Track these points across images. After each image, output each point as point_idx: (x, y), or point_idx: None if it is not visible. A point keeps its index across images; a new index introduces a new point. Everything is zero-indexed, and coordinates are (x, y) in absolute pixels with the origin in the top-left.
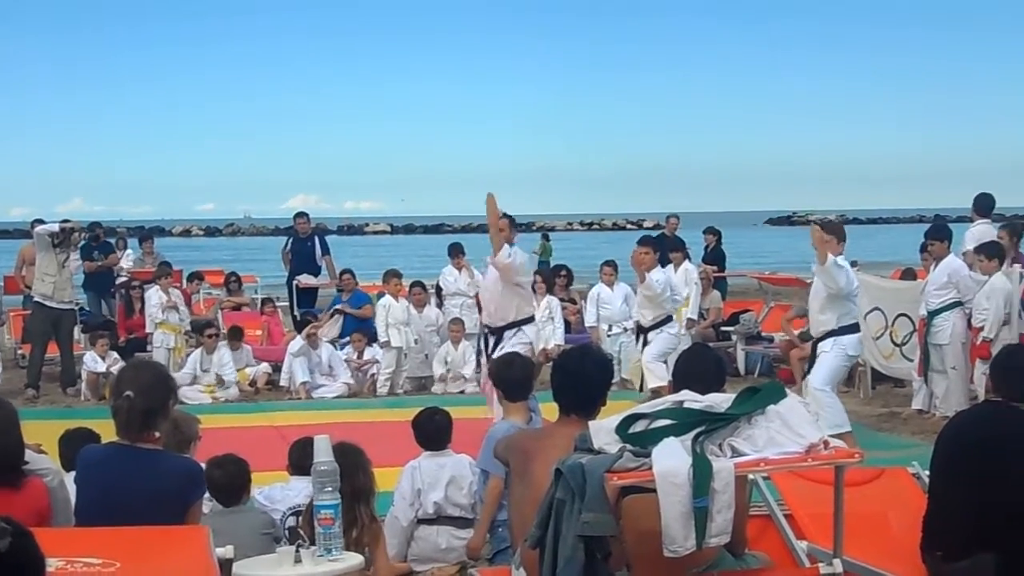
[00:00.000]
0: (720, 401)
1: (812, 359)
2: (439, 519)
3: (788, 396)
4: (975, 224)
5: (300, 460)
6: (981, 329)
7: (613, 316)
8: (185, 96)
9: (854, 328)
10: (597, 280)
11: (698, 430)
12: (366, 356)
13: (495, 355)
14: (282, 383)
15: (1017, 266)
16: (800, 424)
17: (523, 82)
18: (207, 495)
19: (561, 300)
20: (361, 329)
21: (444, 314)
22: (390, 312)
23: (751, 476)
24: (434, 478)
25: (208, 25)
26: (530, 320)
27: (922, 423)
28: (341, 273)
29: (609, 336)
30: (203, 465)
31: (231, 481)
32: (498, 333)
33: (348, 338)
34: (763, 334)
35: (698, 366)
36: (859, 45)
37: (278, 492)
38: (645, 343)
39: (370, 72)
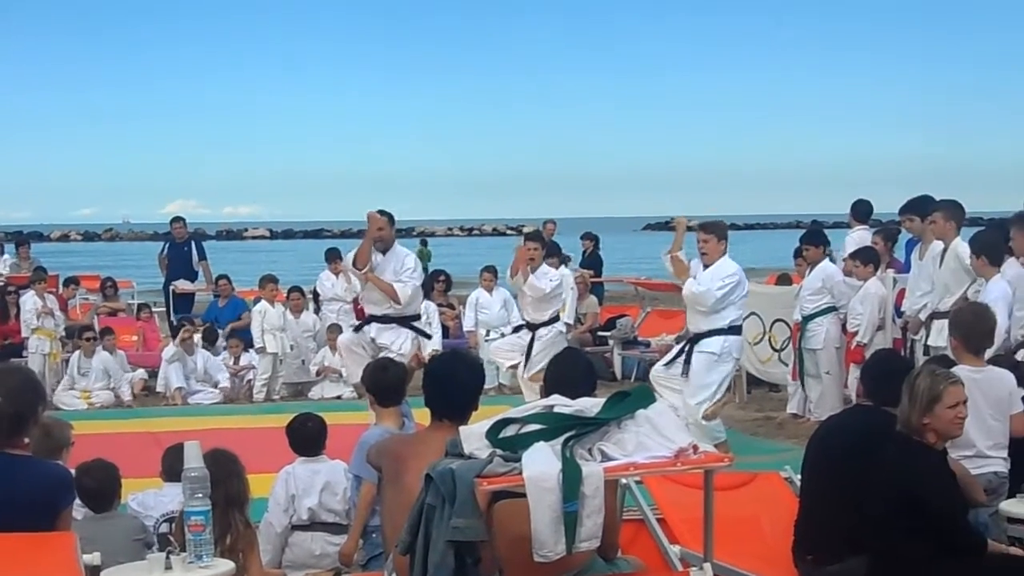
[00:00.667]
0: (590, 406)
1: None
2: (313, 525)
3: (657, 400)
4: (853, 230)
5: (173, 466)
6: (856, 334)
7: (491, 321)
8: (65, 99)
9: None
10: (476, 285)
11: (568, 434)
12: (242, 362)
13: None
14: (158, 389)
15: (891, 271)
16: (669, 428)
17: (403, 88)
18: (79, 502)
19: (439, 305)
20: (237, 335)
21: (321, 319)
22: (266, 318)
23: (623, 480)
24: (308, 484)
25: (87, 25)
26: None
27: (796, 428)
28: (217, 279)
29: (487, 341)
30: (73, 471)
31: (101, 487)
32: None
33: (224, 343)
34: (640, 339)
35: (568, 370)
36: (736, 44)
37: (151, 498)
38: (534, 340)
39: (250, 77)
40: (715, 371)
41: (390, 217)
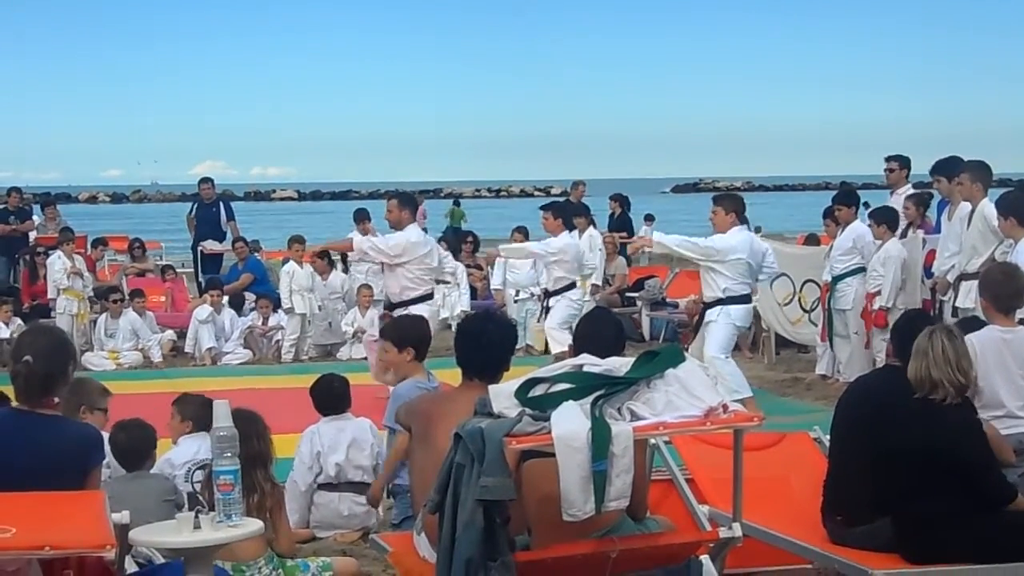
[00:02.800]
0: (619, 365)
1: (698, 325)
2: (340, 484)
3: (687, 360)
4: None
5: (195, 413)
6: (876, 294)
7: (520, 281)
8: (93, 63)
9: (742, 299)
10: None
11: (597, 394)
12: (271, 323)
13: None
14: (187, 350)
15: (921, 232)
16: (699, 388)
17: (432, 50)
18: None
19: (467, 266)
20: (267, 295)
21: (350, 280)
22: (294, 278)
23: (652, 440)
24: (334, 441)
25: None
26: None
27: (825, 388)
28: (234, 242)
29: (516, 301)
30: (102, 431)
31: (135, 445)
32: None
33: (254, 304)
34: (668, 300)
35: (598, 330)
36: (764, 7)
37: (175, 454)
38: (546, 309)
39: (279, 39)
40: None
41: (402, 197)
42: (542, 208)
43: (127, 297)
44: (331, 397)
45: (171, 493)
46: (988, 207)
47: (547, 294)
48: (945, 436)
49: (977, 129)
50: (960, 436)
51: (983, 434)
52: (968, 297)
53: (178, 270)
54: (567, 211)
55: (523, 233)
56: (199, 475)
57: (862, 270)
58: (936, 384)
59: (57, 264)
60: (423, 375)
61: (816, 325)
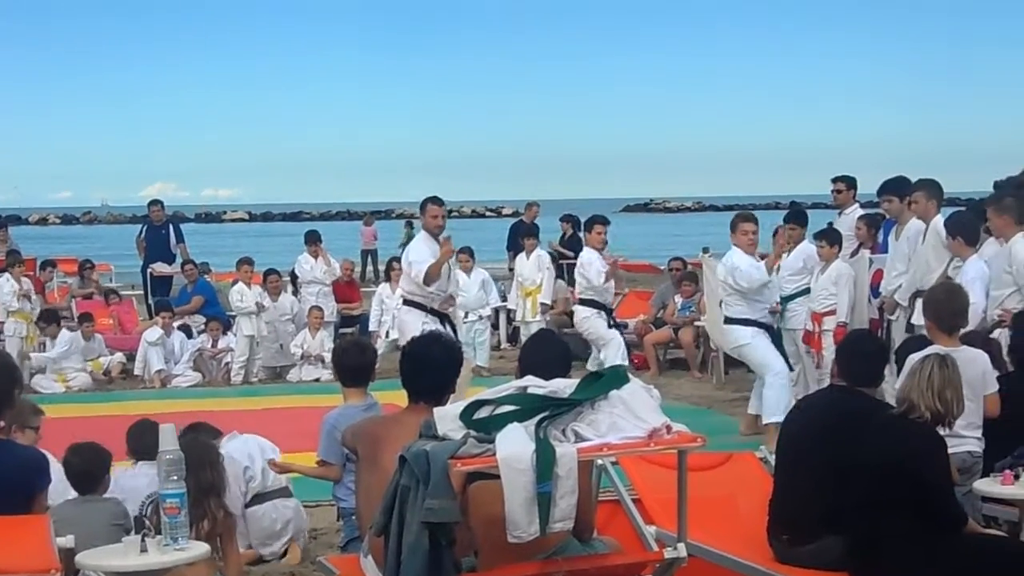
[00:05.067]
0: (564, 386)
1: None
2: (266, 494)
3: (631, 381)
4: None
5: (141, 443)
6: (826, 314)
7: (469, 303)
8: (42, 84)
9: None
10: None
11: (542, 416)
12: (220, 345)
13: None
14: (136, 372)
15: (866, 252)
16: (643, 409)
17: (383, 71)
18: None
19: None
20: (217, 317)
21: (300, 302)
22: (243, 299)
23: (600, 461)
24: (249, 452)
25: (64, 8)
26: None
27: None
28: (183, 264)
29: (465, 323)
30: (48, 454)
31: (88, 468)
32: None
33: (203, 326)
34: (617, 320)
35: (542, 352)
36: (713, 26)
37: (126, 479)
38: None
39: (230, 59)
40: None
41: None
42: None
43: (75, 319)
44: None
45: (121, 517)
46: (940, 223)
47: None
48: (908, 451)
49: (925, 150)
50: (924, 453)
51: (946, 456)
52: (922, 317)
53: (128, 292)
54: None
55: (468, 253)
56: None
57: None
58: (914, 406)
59: (5, 287)
60: (359, 399)
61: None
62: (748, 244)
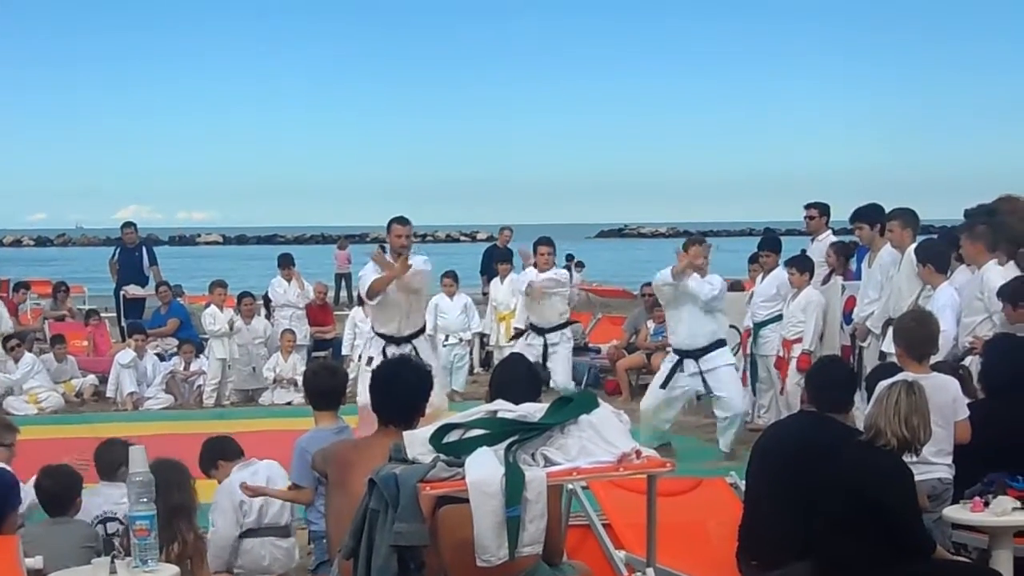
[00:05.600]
0: (534, 411)
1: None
2: (261, 529)
3: (600, 406)
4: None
5: (108, 462)
6: (795, 341)
7: (450, 326)
8: (15, 106)
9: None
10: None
11: (511, 440)
12: (193, 367)
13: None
14: (108, 394)
15: (839, 279)
16: (612, 433)
17: (355, 94)
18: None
19: None
20: (190, 340)
21: (273, 325)
22: (215, 322)
23: (570, 486)
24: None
25: (39, 28)
26: None
27: (744, 432)
28: (157, 286)
29: (445, 346)
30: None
31: (59, 491)
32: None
33: (175, 349)
34: (590, 345)
35: (513, 376)
36: (689, 51)
37: (86, 499)
38: (547, 345)
39: (205, 82)
40: None
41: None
42: (542, 243)
43: (47, 340)
44: (216, 449)
45: (92, 539)
46: (914, 251)
47: (540, 330)
48: (873, 478)
49: (897, 178)
50: (888, 480)
51: (912, 483)
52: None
53: (101, 315)
54: (493, 258)
55: (452, 277)
56: (100, 529)
57: None
58: (881, 432)
59: None
60: (330, 422)
61: (737, 370)
62: (698, 268)
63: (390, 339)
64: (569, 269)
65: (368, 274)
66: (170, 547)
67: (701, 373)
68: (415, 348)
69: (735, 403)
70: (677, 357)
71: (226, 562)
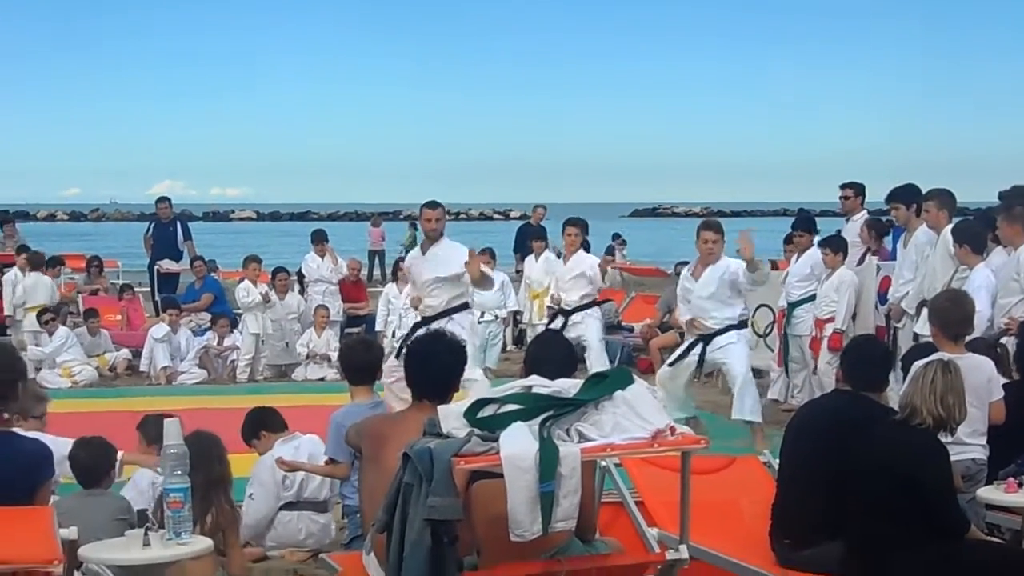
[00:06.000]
0: (568, 387)
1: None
2: (299, 503)
3: (635, 382)
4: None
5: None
6: (828, 320)
7: (486, 303)
8: (51, 82)
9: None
10: None
11: (546, 415)
12: (226, 343)
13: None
14: (142, 368)
15: (875, 259)
16: (647, 410)
17: (391, 73)
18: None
19: None
20: (224, 315)
21: (307, 301)
22: (248, 295)
23: (603, 463)
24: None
25: (71, 5)
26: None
27: (777, 413)
28: (192, 260)
29: (480, 323)
30: (51, 445)
31: (94, 463)
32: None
33: (209, 324)
34: (623, 324)
35: (548, 352)
36: (726, 33)
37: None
38: (565, 325)
39: (239, 59)
40: None
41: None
42: (570, 224)
43: (81, 314)
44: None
45: (125, 512)
46: (950, 233)
47: (565, 311)
48: (909, 456)
49: (934, 158)
50: (924, 458)
51: (948, 462)
52: (928, 324)
53: (135, 289)
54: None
55: (489, 254)
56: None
57: None
58: (916, 411)
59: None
60: (366, 397)
61: (772, 350)
62: (707, 253)
63: (429, 318)
64: (612, 249)
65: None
66: (204, 519)
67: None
68: (456, 322)
69: (737, 367)
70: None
71: (260, 535)
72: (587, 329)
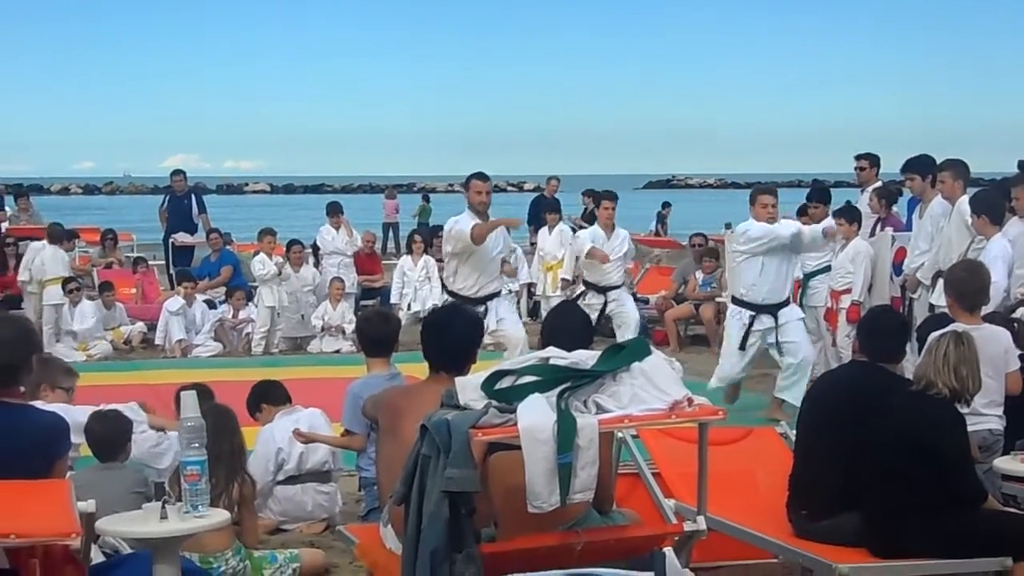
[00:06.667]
0: (586, 358)
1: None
2: (302, 475)
3: (653, 354)
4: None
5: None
6: (844, 292)
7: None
8: (65, 56)
9: None
10: None
11: (563, 386)
12: (241, 316)
13: None
14: (157, 341)
15: (889, 229)
16: (664, 381)
17: (404, 45)
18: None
19: (439, 261)
20: (240, 288)
21: (321, 273)
22: (264, 267)
23: (619, 434)
24: (284, 434)
25: None
26: None
27: None
28: (208, 233)
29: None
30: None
31: (109, 436)
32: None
33: (224, 297)
34: (639, 295)
35: (565, 323)
36: (737, 7)
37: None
38: (607, 302)
39: (252, 32)
40: None
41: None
42: (606, 198)
43: (95, 287)
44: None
45: (141, 485)
46: (965, 204)
47: (601, 288)
48: (927, 425)
49: (948, 128)
50: (942, 427)
51: (965, 431)
52: (944, 294)
53: (149, 262)
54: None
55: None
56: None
57: None
58: (932, 382)
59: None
60: (383, 368)
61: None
62: (767, 218)
63: (465, 299)
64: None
65: (465, 220)
66: (229, 490)
67: (776, 327)
68: (488, 309)
69: (804, 348)
70: (750, 314)
71: (258, 506)
72: (629, 307)
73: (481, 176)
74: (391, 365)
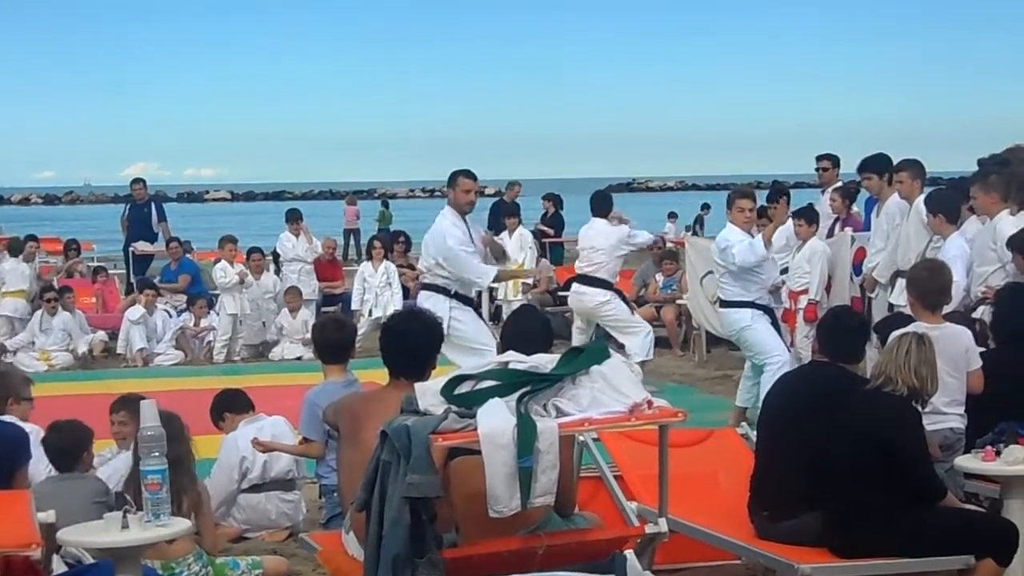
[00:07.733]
0: (545, 362)
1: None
2: (266, 484)
3: (612, 356)
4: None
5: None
6: (801, 292)
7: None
8: (22, 65)
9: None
10: None
11: (523, 391)
12: (203, 324)
13: None
14: (119, 350)
15: (848, 230)
16: (624, 384)
17: (364, 51)
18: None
19: (399, 266)
20: (201, 296)
21: (282, 280)
22: (226, 275)
23: (581, 438)
24: (247, 443)
25: None
26: None
27: None
28: (168, 242)
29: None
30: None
31: (67, 446)
32: None
33: (185, 305)
34: None
35: (524, 327)
36: (695, 8)
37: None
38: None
39: (210, 41)
40: None
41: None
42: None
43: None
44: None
45: (102, 495)
46: (922, 203)
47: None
48: (884, 421)
49: (907, 129)
50: (900, 423)
51: (922, 428)
52: (903, 294)
53: (110, 271)
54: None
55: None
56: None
57: None
58: (890, 379)
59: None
60: (339, 375)
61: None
62: (744, 221)
63: (466, 299)
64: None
65: (458, 239)
66: (180, 499)
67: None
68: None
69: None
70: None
71: (222, 515)
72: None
73: (469, 174)
74: (348, 372)
